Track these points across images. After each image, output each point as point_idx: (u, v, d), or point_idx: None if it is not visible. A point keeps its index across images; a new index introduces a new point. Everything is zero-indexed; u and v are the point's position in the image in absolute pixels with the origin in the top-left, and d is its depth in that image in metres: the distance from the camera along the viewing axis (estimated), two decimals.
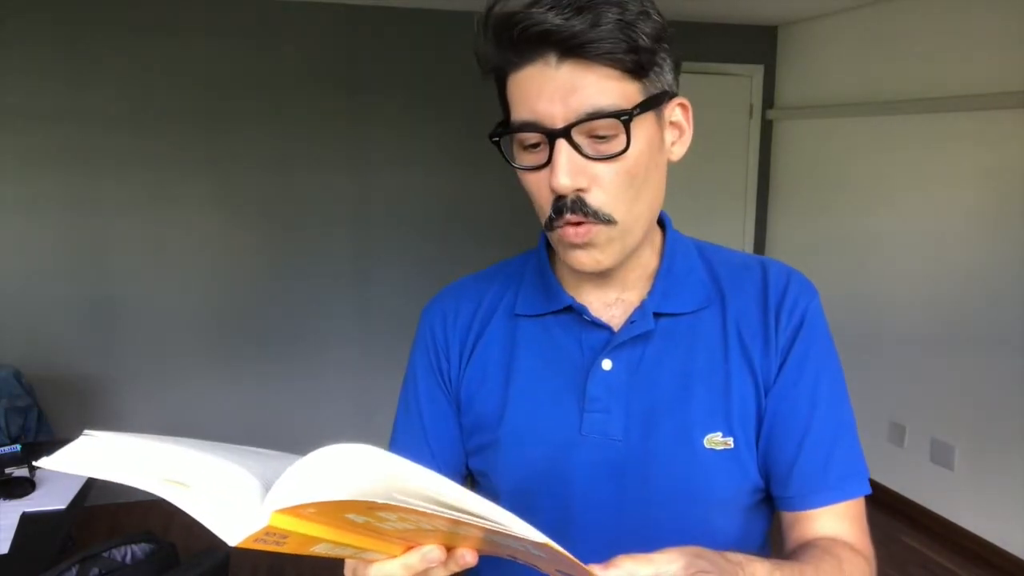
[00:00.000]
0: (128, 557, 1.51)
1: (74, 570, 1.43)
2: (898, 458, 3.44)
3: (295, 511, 0.45)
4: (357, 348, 3.77)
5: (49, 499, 1.97)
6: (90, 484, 2.08)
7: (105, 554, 1.48)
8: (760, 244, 4.27)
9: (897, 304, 3.44)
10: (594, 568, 0.53)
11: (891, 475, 3.46)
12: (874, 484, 3.56)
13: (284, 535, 0.47)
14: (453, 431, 0.88)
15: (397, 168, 3.71)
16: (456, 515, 0.45)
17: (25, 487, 2.01)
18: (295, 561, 3.04)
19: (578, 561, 0.50)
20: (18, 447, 2.18)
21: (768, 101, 4.14)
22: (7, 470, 2.07)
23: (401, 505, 0.44)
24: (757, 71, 4.12)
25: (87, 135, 3.31)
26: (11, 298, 3.32)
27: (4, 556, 1.71)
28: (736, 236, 4.21)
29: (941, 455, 3.25)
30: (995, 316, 2.99)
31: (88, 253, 3.39)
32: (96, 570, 1.44)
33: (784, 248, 4.16)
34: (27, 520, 1.87)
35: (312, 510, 0.45)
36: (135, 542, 1.52)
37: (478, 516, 0.46)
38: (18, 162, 3.26)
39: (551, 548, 0.47)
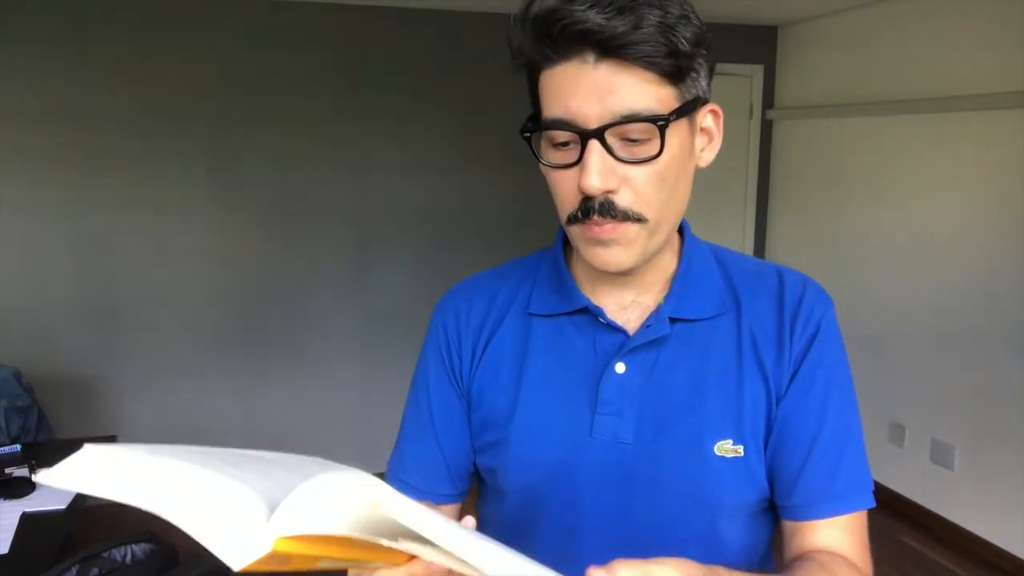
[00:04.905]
0: (128, 557, 1.51)
1: (74, 570, 1.43)
2: (898, 458, 3.44)
3: (298, 537, 0.45)
4: (358, 348, 3.77)
5: (49, 499, 1.96)
6: None
7: (105, 554, 1.48)
8: (760, 244, 4.27)
9: (897, 304, 3.44)
10: (593, 571, 0.54)
11: (891, 475, 3.46)
12: (874, 484, 3.58)
13: (288, 557, 0.47)
14: (462, 428, 0.87)
15: (398, 168, 3.70)
16: (461, 568, 0.46)
17: (25, 487, 2.00)
18: None
19: None
20: (18, 447, 2.18)
21: (768, 101, 4.14)
22: (7, 470, 2.07)
23: (405, 551, 0.45)
24: (757, 71, 4.12)
25: (88, 135, 3.31)
26: (12, 298, 3.32)
27: (4, 556, 1.71)
28: (736, 236, 4.20)
29: (941, 455, 3.25)
30: (995, 316, 2.99)
31: (89, 253, 3.38)
32: (96, 570, 1.44)
33: (784, 248, 4.16)
34: (27, 520, 1.87)
35: (316, 536, 0.46)
36: (135, 542, 1.52)
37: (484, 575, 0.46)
38: (19, 162, 3.26)
39: None
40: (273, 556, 0.45)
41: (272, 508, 0.46)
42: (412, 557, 0.54)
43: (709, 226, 4.06)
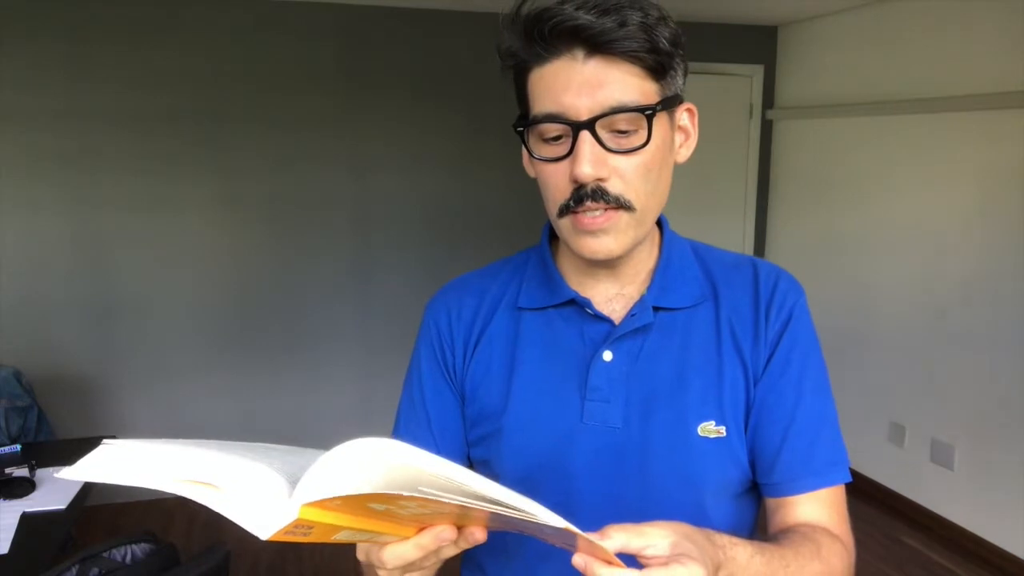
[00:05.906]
0: (128, 557, 1.51)
1: (74, 570, 1.44)
2: (898, 458, 3.44)
3: (322, 504, 0.48)
4: (358, 347, 3.77)
5: (49, 499, 1.97)
6: (90, 484, 2.08)
7: (105, 554, 1.48)
8: (760, 244, 4.27)
9: (897, 304, 3.44)
10: (591, 536, 0.56)
11: (891, 475, 3.46)
12: (874, 484, 3.56)
13: (310, 526, 0.50)
14: (456, 422, 0.91)
15: (398, 168, 3.71)
16: (479, 504, 0.47)
17: (25, 487, 2.01)
18: (296, 561, 3.04)
19: (596, 541, 0.54)
20: (18, 447, 2.18)
21: (768, 101, 4.14)
22: (7, 470, 2.07)
23: (425, 497, 0.46)
24: (757, 71, 4.12)
25: (88, 135, 3.31)
26: (12, 298, 3.32)
27: (4, 556, 1.71)
28: (736, 236, 4.20)
29: (941, 455, 3.25)
30: (995, 316, 2.99)
31: (89, 253, 3.39)
32: (96, 570, 1.44)
33: (784, 248, 4.16)
34: (27, 520, 1.87)
35: (338, 502, 0.48)
36: (135, 542, 1.52)
37: (502, 505, 0.48)
38: (20, 162, 3.27)
39: (570, 532, 0.50)
40: (298, 525, 0.48)
41: (292, 484, 0.49)
42: (421, 530, 0.57)
43: (709, 226, 4.06)
